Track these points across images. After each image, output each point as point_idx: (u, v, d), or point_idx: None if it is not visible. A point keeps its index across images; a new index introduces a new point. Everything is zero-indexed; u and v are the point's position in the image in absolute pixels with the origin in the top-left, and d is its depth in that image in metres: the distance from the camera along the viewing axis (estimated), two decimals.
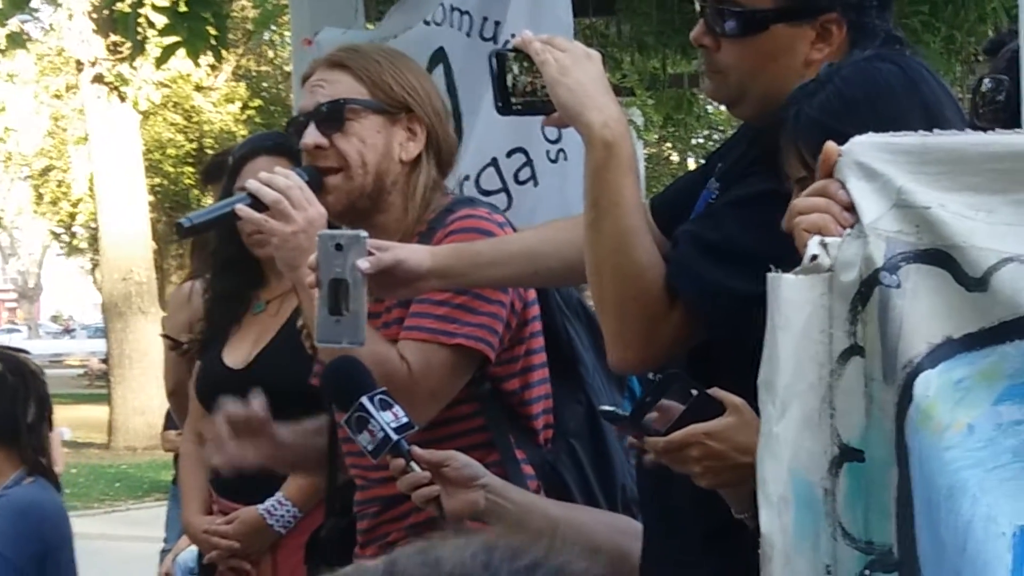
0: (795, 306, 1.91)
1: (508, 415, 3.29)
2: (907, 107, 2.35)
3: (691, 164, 20.05)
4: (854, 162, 1.93)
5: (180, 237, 3.38)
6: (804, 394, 1.91)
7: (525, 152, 4.54)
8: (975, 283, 1.83)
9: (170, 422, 10.33)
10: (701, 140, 19.93)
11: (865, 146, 1.93)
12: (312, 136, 3.26)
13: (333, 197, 3.24)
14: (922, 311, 1.85)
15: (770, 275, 1.94)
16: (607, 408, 2.85)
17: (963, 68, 7.79)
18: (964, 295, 1.83)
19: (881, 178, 1.90)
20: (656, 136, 17.53)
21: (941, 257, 1.85)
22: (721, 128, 16.27)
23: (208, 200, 5.88)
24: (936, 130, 1.96)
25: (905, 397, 1.86)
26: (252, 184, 3.14)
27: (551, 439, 3.38)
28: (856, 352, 1.90)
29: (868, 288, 1.88)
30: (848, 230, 1.91)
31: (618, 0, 7.70)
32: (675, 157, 24.12)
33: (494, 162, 4.56)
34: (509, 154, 4.54)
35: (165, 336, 6.20)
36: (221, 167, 6.11)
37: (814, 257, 1.93)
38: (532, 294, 3.31)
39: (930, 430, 1.82)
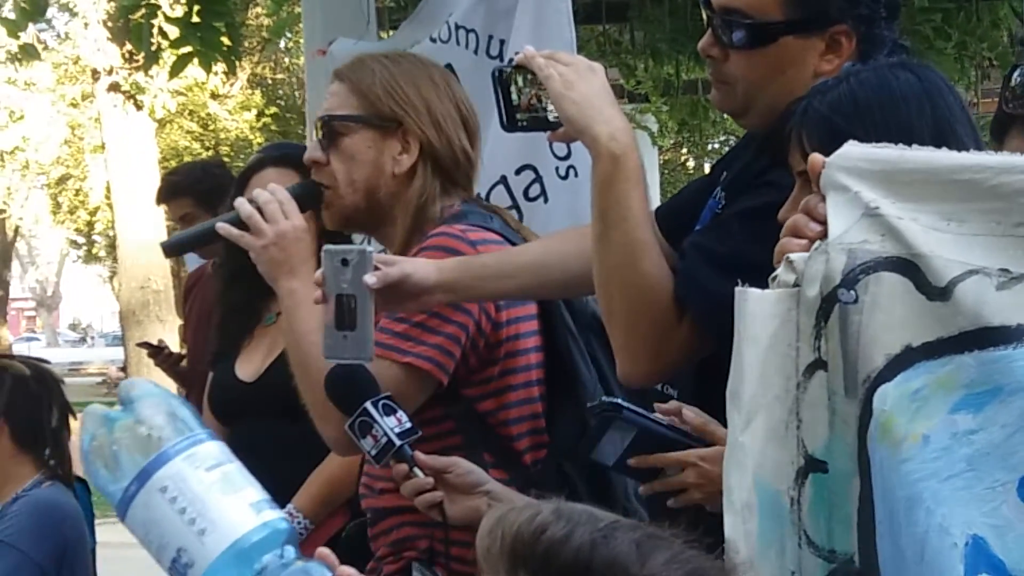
0: (760, 320, 1.94)
1: (486, 435, 3.27)
2: (917, 119, 2.32)
3: (707, 170, 20.01)
4: (835, 174, 1.94)
5: (165, 256, 3.45)
6: (771, 405, 1.95)
7: (534, 169, 4.54)
8: (937, 293, 1.84)
9: None
10: (717, 145, 19.90)
11: (846, 158, 1.95)
12: (311, 151, 3.31)
13: (328, 213, 3.31)
14: (881, 322, 1.87)
15: (737, 289, 1.98)
16: (609, 400, 2.77)
17: (977, 72, 7.78)
18: (925, 304, 1.85)
19: (854, 190, 1.92)
20: (672, 142, 17.51)
21: (903, 265, 1.87)
22: (737, 133, 16.25)
23: None
24: (917, 146, 1.97)
25: (866, 411, 1.89)
26: (238, 200, 3.22)
27: (543, 460, 3.33)
28: (820, 366, 1.93)
29: (829, 304, 1.91)
30: (817, 244, 1.93)
31: (631, 8, 7.72)
32: (691, 163, 24.09)
33: (503, 180, 4.56)
34: (518, 171, 4.53)
35: (142, 344, 6.24)
36: (175, 186, 6.19)
37: (774, 277, 1.97)
38: (506, 315, 3.25)
39: (888, 443, 1.85)
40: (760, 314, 1.94)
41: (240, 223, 3.17)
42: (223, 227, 3.18)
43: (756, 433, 1.94)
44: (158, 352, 5.94)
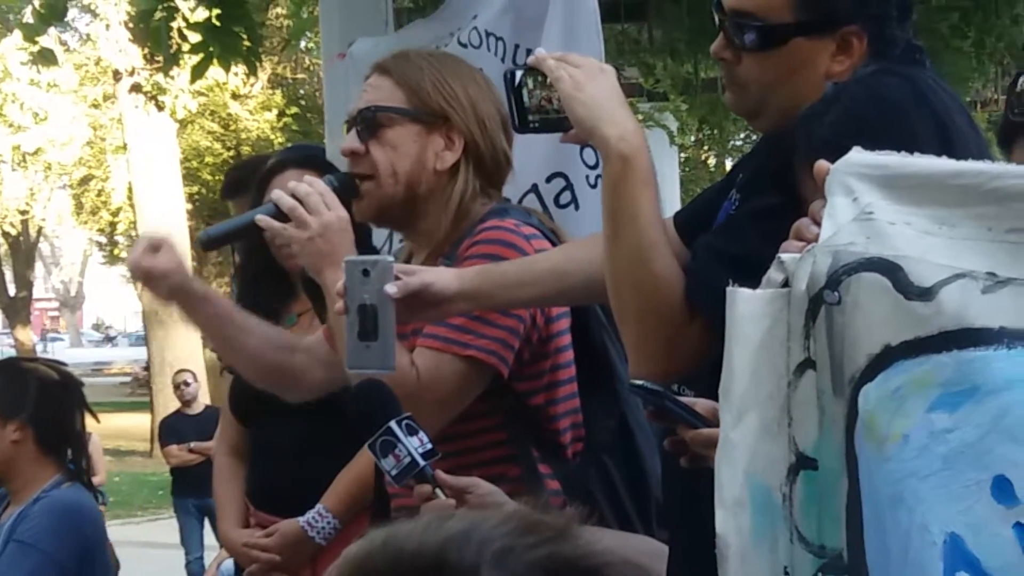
0: (749, 319, 1.96)
1: (532, 429, 3.28)
2: (917, 119, 2.35)
3: (728, 166, 19.99)
4: (839, 178, 1.96)
5: (203, 250, 3.44)
6: (763, 403, 1.97)
7: (565, 176, 4.54)
8: (919, 293, 1.85)
9: (168, 437, 10.18)
10: (738, 143, 19.88)
11: (851, 163, 1.97)
12: (349, 142, 3.30)
13: (365, 203, 3.28)
14: (861, 323, 1.88)
15: (728, 289, 2.00)
16: (639, 382, 2.74)
17: (997, 69, 7.76)
18: (903, 303, 1.86)
19: (856, 194, 1.94)
20: (692, 140, 17.50)
21: (884, 265, 1.87)
22: (757, 131, 16.21)
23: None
24: (919, 154, 1.98)
25: (852, 410, 1.90)
26: (275, 193, 3.19)
27: (581, 453, 3.35)
28: (809, 365, 1.95)
29: (816, 305, 1.92)
30: (809, 246, 1.95)
31: (649, 6, 7.72)
32: (712, 160, 24.07)
33: (534, 188, 4.56)
34: (549, 179, 4.53)
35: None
36: (240, 181, 6.07)
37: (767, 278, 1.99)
38: (556, 310, 3.28)
39: (872, 442, 1.87)
40: (750, 313, 1.96)
41: (279, 216, 3.15)
42: (264, 220, 3.16)
43: (747, 430, 1.96)
44: None
